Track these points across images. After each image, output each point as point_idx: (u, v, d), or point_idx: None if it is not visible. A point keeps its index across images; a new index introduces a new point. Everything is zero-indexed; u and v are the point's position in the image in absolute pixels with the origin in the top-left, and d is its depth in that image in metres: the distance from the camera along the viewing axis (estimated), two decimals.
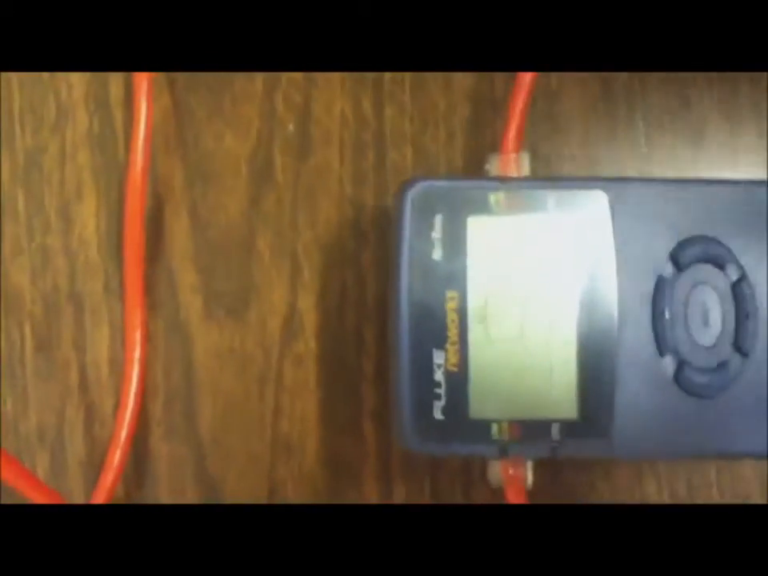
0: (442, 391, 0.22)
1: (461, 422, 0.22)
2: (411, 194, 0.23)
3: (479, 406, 0.22)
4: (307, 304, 0.27)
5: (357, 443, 0.27)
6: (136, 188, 0.25)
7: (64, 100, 0.27)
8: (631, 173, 0.27)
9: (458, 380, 0.22)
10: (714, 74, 0.26)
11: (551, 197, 0.23)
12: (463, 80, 0.27)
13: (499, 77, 0.27)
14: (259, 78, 0.27)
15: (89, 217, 0.27)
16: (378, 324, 0.26)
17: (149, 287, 0.26)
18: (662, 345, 0.23)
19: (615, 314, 0.22)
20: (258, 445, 0.26)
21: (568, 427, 0.22)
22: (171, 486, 0.26)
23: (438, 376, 0.22)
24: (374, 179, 0.27)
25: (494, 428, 0.22)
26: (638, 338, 0.22)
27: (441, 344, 0.22)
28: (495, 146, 0.25)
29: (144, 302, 0.26)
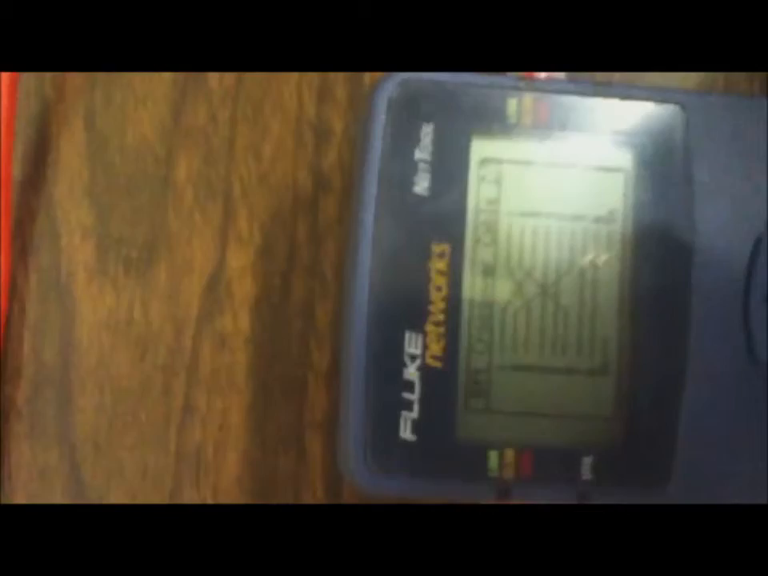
0: (414, 397, 0.17)
1: (442, 445, 0.17)
2: (389, 92, 0.18)
3: (472, 422, 0.18)
4: (240, 264, 0.23)
5: (295, 464, 0.22)
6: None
7: None
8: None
9: (441, 381, 0.17)
10: None
11: (601, 109, 0.18)
12: None
13: None
14: None
15: None
16: (336, 299, 0.22)
17: (19, 224, 0.23)
18: (756, 344, 0.18)
19: (689, 289, 0.18)
20: (156, 456, 0.22)
21: (607, 460, 0.18)
22: (32, 501, 0.23)
23: (411, 373, 0.17)
24: (347, 93, 0.23)
25: (492, 458, 0.18)
26: (720, 329, 0.18)
27: (417, 323, 0.17)
28: None
29: (9, 245, 0.22)
